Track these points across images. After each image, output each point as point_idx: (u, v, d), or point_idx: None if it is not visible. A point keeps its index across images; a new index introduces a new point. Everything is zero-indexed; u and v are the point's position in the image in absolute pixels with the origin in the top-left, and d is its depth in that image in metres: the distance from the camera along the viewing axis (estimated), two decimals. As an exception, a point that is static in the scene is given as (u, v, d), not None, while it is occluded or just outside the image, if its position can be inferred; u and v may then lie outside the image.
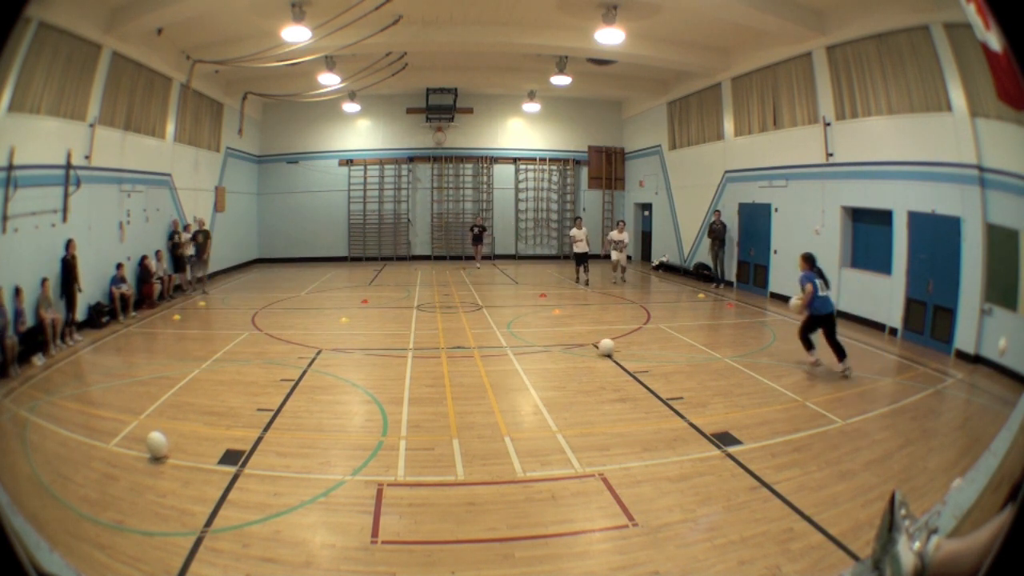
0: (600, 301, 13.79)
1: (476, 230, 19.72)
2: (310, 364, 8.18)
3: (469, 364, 8.24)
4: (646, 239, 20.95)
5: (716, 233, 15.13)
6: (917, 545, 1.12)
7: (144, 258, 12.41)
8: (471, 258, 21.49)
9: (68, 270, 9.56)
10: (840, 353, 7.74)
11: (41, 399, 6.92)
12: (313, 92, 17.09)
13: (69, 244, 9.71)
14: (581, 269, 15.68)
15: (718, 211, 15.28)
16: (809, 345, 8.07)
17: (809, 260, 8.09)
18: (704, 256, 16.30)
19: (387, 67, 15.33)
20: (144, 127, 12.87)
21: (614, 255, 15.86)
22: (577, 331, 10.22)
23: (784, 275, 13.16)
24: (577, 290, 15.22)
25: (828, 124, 11.64)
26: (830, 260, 11.64)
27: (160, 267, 12.98)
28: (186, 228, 14.42)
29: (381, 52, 14.47)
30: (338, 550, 3.89)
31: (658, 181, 19.41)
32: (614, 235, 15.94)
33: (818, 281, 7.87)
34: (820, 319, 7.92)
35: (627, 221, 22.09)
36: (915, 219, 9.65)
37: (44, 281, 9.02)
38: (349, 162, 21.08)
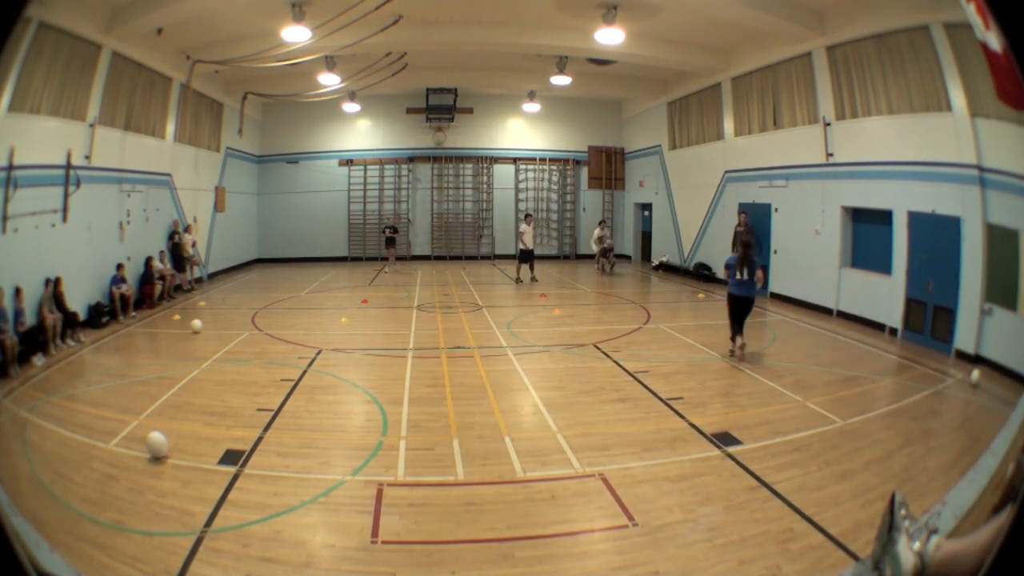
0: (600, 301, 13.80)
1: (388, 232, 18.83)
2: (310, 364, 8.18)
3: (469, 364, 8.24)
4: (646, 239, 20.93)
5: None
6: (917, 545, 1.12)
7: (149, 259, 12.45)
8: (472, 257, 21.53)
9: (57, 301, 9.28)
10: None
11: (41, 399, 6.92)
12: (313, 92, 17.09)
13: (58, 281, 9.27)
14: (527, 267, 15.99)
15: (744, 212, 14.05)
16: None
17: None
18: (705, 256, 16.29)
19: (387, 67, 15.33)
20: (144, 127, 12.87)
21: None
22: (577, 331, 10.22)
23: (785, 275, 13.16)
24: (577, 289, 15.27)
25: (828, 124, 11.63)
26: (830, 260, 11.68)
27: (165, 267, 13.01)
28: (187, 229, 14.44)
29: (381, 52, 14.46)
30: (338, 550, 3.89)
31: (658, 181, 19.40)
32: (597, 232, 18.20)
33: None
34: None
35: (627, 221, 22.30)
36: (915, 219, 9.65)
37: (47, 282, 9.04)
38: (349, 162, 21.07)
